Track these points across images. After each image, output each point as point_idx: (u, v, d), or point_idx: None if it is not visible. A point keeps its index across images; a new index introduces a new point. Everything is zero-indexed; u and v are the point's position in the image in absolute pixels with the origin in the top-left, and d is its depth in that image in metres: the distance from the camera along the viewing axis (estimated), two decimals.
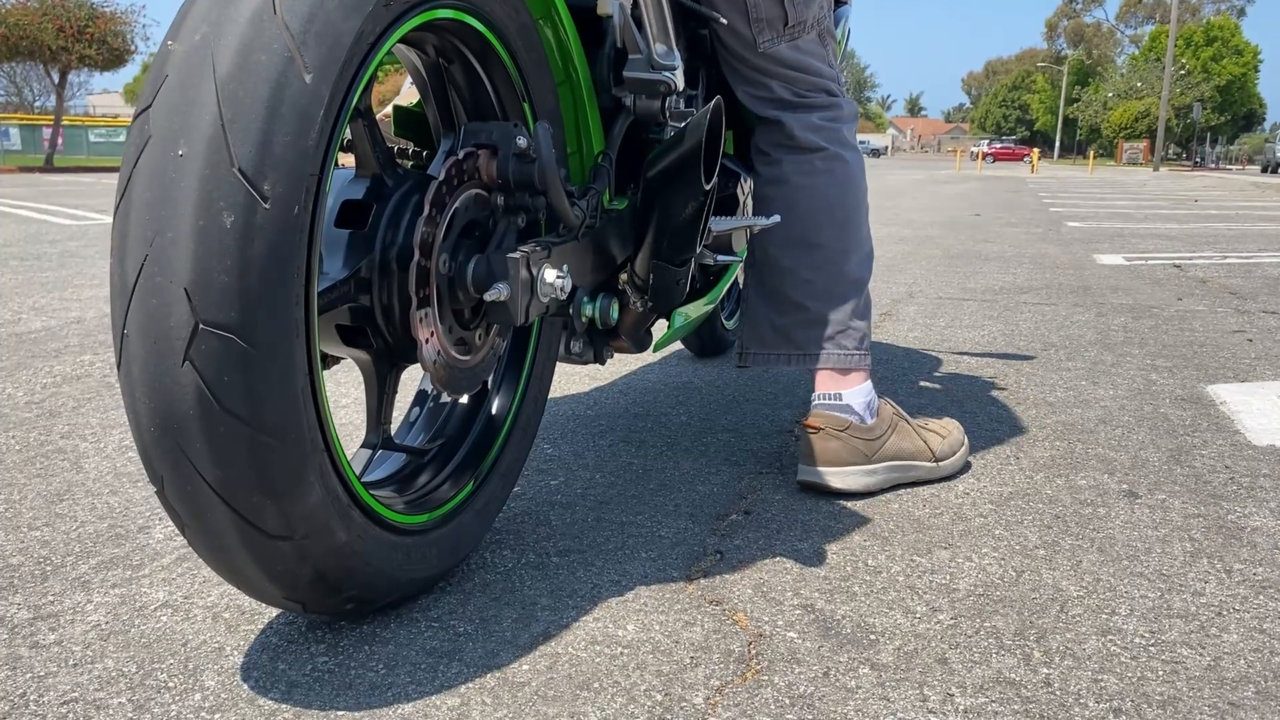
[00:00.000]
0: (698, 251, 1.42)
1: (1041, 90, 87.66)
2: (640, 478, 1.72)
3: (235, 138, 0.85)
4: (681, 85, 1.45)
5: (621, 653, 1.11)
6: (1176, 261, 5.45)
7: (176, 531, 1.44)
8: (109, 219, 7.52)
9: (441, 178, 1.13)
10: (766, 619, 1.19)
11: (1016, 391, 2.38)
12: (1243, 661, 1.11)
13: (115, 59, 22.78)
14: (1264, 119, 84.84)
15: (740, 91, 1.69)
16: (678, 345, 2.85)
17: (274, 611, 1.19)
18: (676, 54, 1.44)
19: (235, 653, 1.10)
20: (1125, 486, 1.71)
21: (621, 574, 1.32)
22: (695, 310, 1.78)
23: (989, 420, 2.12)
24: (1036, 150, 40.13)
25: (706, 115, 1.28)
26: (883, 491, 1.65)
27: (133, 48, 23.05)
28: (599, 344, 1.44)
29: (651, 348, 1.56)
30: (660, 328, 1.63)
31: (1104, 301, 3.89)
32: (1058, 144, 76.61)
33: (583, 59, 1.39)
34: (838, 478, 1.61)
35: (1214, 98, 64.52)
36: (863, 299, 1.71)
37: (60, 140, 24.73)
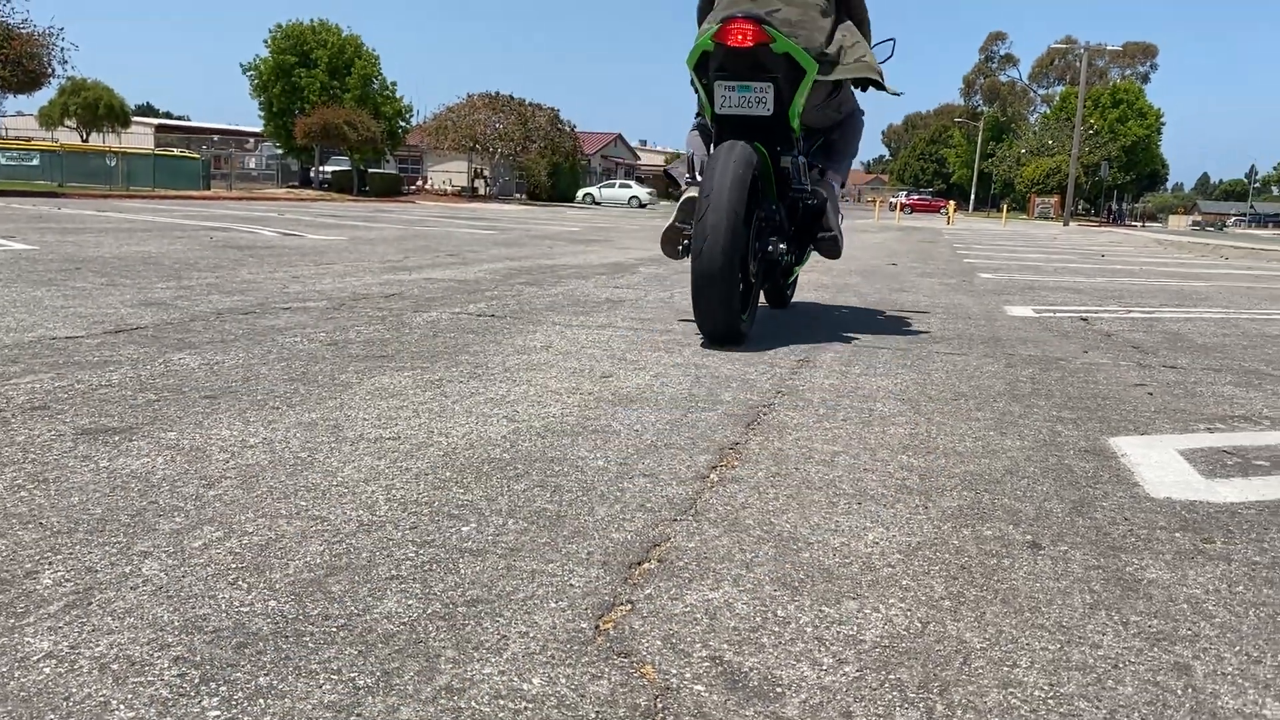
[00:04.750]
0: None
1: (958, 145, 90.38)
2: (554, 524, 1.70)
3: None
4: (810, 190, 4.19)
5: (526, 708, 1.09)
6: (1083, 315, 5.63)
7: (67, 576, 1.39)
8: (17, 245, 7.27)
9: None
10: (674, 671, 1.19)
11: (927, 440, 2.43)
12: (1136, 715, 1.13)
13: (31, 81, 22.18)
14: (1166, 179, 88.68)
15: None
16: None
17: (165, 662, 1.15)
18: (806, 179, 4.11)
19: (122, 707, 1.05)
20: (1029, 537, 1.74)
21: (530, 625, 1.30)
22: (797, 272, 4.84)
23: (899, 469, 2.16)
24: (953, 202, 41.29)
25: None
26: (794, 537, 1.66)
27: (49, 70, 22.47)
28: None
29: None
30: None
31: (1013, 353, 4.00)
32: (973, 197, 78.94)
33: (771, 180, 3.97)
34: None
35: (1120, 157, 67.20)
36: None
37: None
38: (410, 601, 1.36)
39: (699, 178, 3.62)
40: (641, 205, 46.13)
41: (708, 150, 3.95)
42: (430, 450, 2.13)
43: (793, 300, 5.31)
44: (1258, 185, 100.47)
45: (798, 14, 3.77)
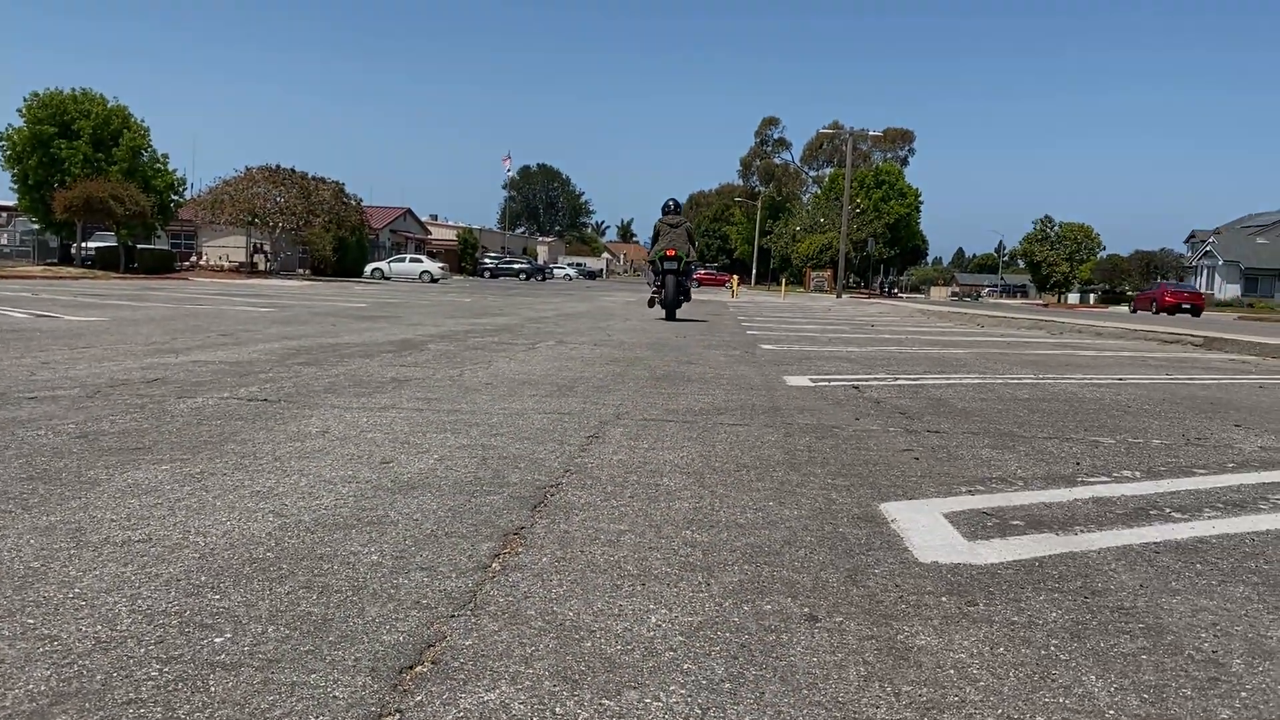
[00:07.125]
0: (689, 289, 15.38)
1: (739, 222, 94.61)
2: (319, 629, 1.59)
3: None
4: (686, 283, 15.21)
5: None
6: (855, 383, 5.91)
7: None
8: None
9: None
10: None
11: (710, 514, 2.45)
12: None
13: None
14: (927, 253, 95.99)
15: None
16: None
17: None
18: (687, 282, 15.32)
19: None
20: (807, 610, 1.77)
21: None
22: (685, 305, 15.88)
23: (683, 545, 2.16)
24: (736, 276, 43.16)
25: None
26: (576, 626, 1.61)
27: None
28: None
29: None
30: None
31: (791, 422, 4.14)
32: (754, 271, 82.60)
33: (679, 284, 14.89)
34: None
35: (885, 234, 72.16)
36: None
37: None
38: None
39: (656, 284, 14.80)
40: (434, 280, 45.41)
41: (653, 276, 14.90)
42: (185, 552, 1.96)
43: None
44: (1006, 259, 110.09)
45: (682, 245, 14.56)
